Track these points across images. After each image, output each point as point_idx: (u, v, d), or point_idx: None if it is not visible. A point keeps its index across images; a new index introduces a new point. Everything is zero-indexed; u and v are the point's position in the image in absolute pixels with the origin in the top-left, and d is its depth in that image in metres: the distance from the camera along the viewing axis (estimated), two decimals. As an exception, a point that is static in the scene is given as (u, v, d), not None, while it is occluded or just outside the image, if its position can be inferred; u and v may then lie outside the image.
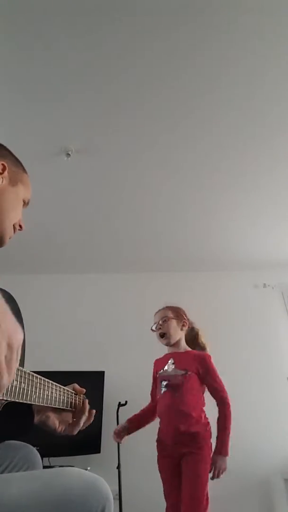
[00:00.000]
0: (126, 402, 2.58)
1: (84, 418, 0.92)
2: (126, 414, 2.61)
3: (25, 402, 0.66)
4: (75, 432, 0.91)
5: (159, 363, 2.06)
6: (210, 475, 1.72)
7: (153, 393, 2.05)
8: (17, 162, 0.90)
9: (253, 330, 3.30)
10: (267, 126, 2.01)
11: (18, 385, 0.62)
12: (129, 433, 1.97)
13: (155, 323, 2.09)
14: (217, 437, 1.80)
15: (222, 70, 1.69)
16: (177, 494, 1.71)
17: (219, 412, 1.85)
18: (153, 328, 2.09)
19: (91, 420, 0.96)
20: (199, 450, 1.74)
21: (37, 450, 0.97)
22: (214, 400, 1.89)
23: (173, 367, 1.94)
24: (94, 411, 0.97)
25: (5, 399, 0.59)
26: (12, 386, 0.60)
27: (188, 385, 1.86)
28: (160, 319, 2.06)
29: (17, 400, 0.63)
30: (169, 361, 1.98)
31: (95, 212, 2.71)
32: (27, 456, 0.92)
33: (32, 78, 1.68)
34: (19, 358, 0.43)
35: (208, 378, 1.91)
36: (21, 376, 0.63)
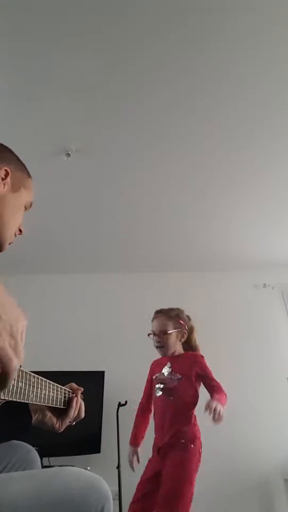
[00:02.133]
0: (126, 402, 2.58)
1: (72, 412, 0.91)
2: (126, 414, 2.61)
3: (23, 401, 0.66)
4: (63, 427, 0.91)
5: (156, 365, 2.05)
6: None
7: (147, 392, 2.05)
8: (22, 167, 0.88)
9: (253, 330, 3.30)
10: (266, 127, 2.01)
11: (15, 384, 0.62)
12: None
13: (153, 332, 2.00)
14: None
15: (221, 71, 1.69)
16: (151, 495, 1.70)
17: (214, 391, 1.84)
18: (151, 337, 2.01)
19: (82, 414, 0.95)
20: (185, 449, 1.73)
21: (37, 450, 0.97)
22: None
23: (169, 370, 1.94)
24: (83, 405, 0.96)
25: (3, 398, 0.59)
26: (10, 385, 0.60)
27: (182, 390, 1.87)
28: (159, 331, 1.97)
29: (15, 399, 0.63)
30: (167, 365, 1.98)
31: (95, 212, 2.71)
32: (25, 456, 0.92)
33: (32, 78, 1.68)
34: (23, 343, 0.44)
35: (205, 378, 1.91)
36: (18, 375, 0.63)
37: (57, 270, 3.50)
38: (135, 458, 1.94)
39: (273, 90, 1.80)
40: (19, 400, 0.64)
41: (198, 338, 2.14)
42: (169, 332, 1.96)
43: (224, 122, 1.97)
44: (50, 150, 2.08)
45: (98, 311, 3.39)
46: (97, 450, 2.61)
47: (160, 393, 1.90)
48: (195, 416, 1.87)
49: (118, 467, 2.37)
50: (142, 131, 2.02)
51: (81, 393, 0.97)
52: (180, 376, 1.91)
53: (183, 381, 1.89)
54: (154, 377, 2.00)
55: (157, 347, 1.99)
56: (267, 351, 3.22)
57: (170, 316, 2.02)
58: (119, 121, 1.94)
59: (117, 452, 2.45)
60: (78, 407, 0.92)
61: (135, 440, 1.98)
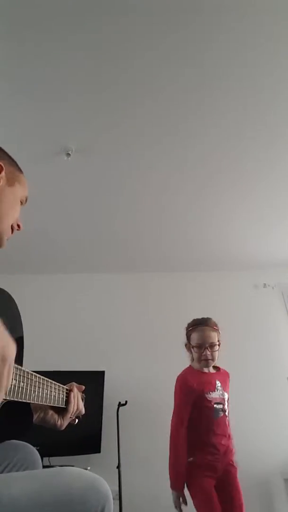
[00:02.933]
0: (126, 402, 2.58)
1: (71, 406, 0.91)
2: (126, 414, 2.62)
3: (24, 401, 0.66)
4: (65, 424, 0.91)
5: (201, 383, 1.86)
6: None
7: (185, 417, 1.81)
8: (12, 162, 0.90)
9: (253, 330, 3.30)
10: (267, 128, 2.01)
11: (17, 384, 0.62)
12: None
13: (198, 344, 1.89)
14: None
15: (221, 72, 1.69)
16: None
17: None
18: (194, 348, 1.91)
19: (81, 407, 0.95)
20: (235, 468, 1.84)
21: (37, 450, 0.97)
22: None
23: (221, 389, 1.89)
24: (80, 398, 0.96)
25: (4, 398, 0.59)
26: (11, 385, 0.60)
27: (229, 409, 1.90)
28: (208, 343, 1.89)
29: (16, 399, 0.63)
30: (217, 384, 1.89)
31: (95, 211, 2.71)
32: (26, 456, 0.91)
33: (32, 78, 1.68)
34: (11, 372, 0.43)
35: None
36: (20, 375, 0.63)
37: (57, 270, 3.50)
38: (181, 502, 1.72)
39: (273, 90, 1.80)
40: (21, 400, 0.64)
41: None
42: (218, 343, 1.91)
43: (224, 122, 1.97)
44: (50, 150, 2.08)
45: (98, 311, 3.39)
46: (97, 450, 2.61)
47: (222, 413, 1.83)
48: None
49: (118, 467, 2.37)
50: (142, 131, 2.02)
51: (83, 392, 0.97)
52: (227, 394, 1.91)
53: (228, 399, 1.91)
54: (205, 395, 1.83)
55: (206, 360, 1.88)
56: (267, 351, 3.22)
57: (214, 328, 1.96)
58: (119, 121, 1.94)
59: (117, 452, 2.45)
60: (76, 401, 0.92)
61: (180, 483, 1.72)
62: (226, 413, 1.86)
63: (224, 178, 2.41)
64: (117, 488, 2.26)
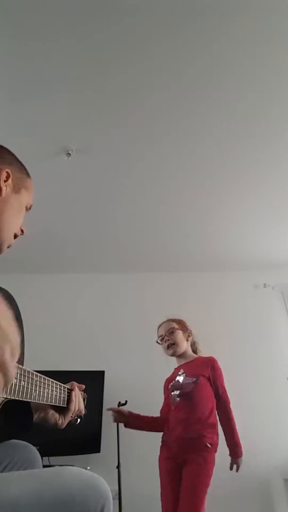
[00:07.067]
0: (126, 402, 2.57)
1: (73, 405, 0.91)
2: (126, 414, 2.61)
3: (25, 400, 0.66)
4: (66, 423, 0.91)
5: (170, 378, 2.09)
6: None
7: (164, 409, 2.05)
8: (21, 167, 0.89)
9: (253, 330, 3.30)
10: (266, 128, 2.02)
11: (18, 383, 0.62)
12: (126, 425, 2.02)
13: (160, 336, 2.11)
14: (228, 441, 1.89)
15: (222, 72, 1.70)
16: (173, 498, 1.73)
17: (222, 411, 1.92)
18: (159, 341, 2.11)
19: (82, 407, 0.95)
20: (201, 457, 1.78)
21: (37, 449, 0.97)
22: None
23: (183, 376, 1.98)
24: (81, 397, 0.97)
25: (5, 396, 0.59)
26: (12, 384, 0.60)
27: (200, 392, 1.90)
28: (166, 331, 2.07)
29: (17, 398, 0.63)
30: (180, 372, 2.01)
31: (95, 211, 2.71)
32: (26, 455, 0.91)
33: (32, 78, 1.68)
34: (16, 360, 0.44)
35: (216, 380, 1.98)
36: (20, 374, 0.64)
37: (57, 270, 3.50)
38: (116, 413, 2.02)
39: (274, 90, 1.80)
40: (22, 399, 0.64)
41: (198, 337, 2.16)
42: (176, 328, 2.06)
43: (225, 122, 1.97)
44: (50, 150, 2.08)
45: (98, 311, 3.39)
46: (97, 450, 2.61)
47: (178, 399, 1.91)
48: (215, 413, 1.91)
49: (118, 466, 2.37)
50: (143, 131, 2.02)
51: (83, 391, 0.97)
52: (194, 379, 1.93)
53: (198, 383, 1.91)
54: (169, 387, 2.02)
55: (168, 346, 2.05)
56: (267, 351, 3.22)
57: (172, 319, 2.14)
58: (120, 120, 1.94)
59: (117, 452, 2.44)
60: (78, 400, 0.93)
61: (137, 417, 2.02)
62: (189, 398, 1.89)
63: (224, 178, 2.41)
64: (116, 488, 2.26)
